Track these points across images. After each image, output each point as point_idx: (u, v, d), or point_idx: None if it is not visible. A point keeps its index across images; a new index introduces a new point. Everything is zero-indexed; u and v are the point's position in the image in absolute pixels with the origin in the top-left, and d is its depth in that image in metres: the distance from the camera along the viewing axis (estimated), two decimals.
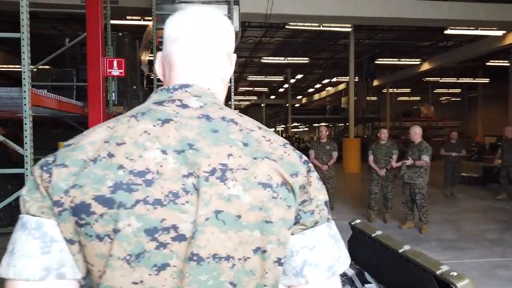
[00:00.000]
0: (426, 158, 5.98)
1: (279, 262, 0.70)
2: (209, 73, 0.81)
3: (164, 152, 0.67)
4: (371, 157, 6.89)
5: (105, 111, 4.56)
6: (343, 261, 0.74)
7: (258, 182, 0.68)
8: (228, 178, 0.67)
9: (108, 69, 4.25)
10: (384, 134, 6.91)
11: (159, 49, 5.69)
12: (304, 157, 0.76)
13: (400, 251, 2.83)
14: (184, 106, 0.73)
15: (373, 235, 3.26)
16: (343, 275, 3.48)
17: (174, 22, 0.82)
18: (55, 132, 8.10)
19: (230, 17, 5.67)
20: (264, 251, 0.68)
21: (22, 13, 3.03)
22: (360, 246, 3.52)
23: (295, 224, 0.71)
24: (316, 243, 0.72)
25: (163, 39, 0.84)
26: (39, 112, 4.81)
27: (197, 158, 0.67)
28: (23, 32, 3.03)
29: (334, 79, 26.83)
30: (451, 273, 2.36)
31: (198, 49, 0.80)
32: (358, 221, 3.67)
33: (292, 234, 0.71)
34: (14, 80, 14.81)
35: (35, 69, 5.55)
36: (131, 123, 0.70)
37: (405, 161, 6.12)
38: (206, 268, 0.65)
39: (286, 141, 0.76)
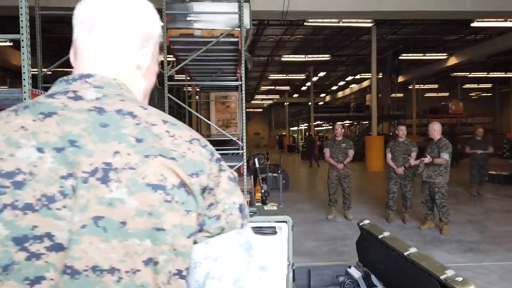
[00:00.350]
0: (445, 155, 5.72)
1: (179, 274, 0.62)
2: (117, 61, 0.73)
3: (40, 150, 0.60)
4: (389, 155, 6.67)
5: None
6: (254, 274, 0.64)
7: (147, 184, 0.60)
8: (111, 179, 0.59)
9: None
10: (402, 131, 6.67)
11: (170, 49, 5.72)
12: (217, 155, 0.67)
13: (405, 253, 2.70)
14: (77, 98, 0.65)
15: (379, 236, 3.13)
16: (349, 278, 3.36)
17: (82, 4, 0.74)
18: None
19: (240, 14, 5.49)
20: (156, 263, 0.60)
21: (22, 14, 3.05)
22: (368, 248, 3.39)
23: (199, 231, 0.63)
24: (222, 253, 0.63)
25: (72, 24, 0.75)
26: None
27: (77, 157, 0.60)
28: (22, 34, 3.05)
29: (358, 76, 26.30)
30: (456, 278, 2.24)
31: (105, 32, 0.72)
32: (366, 221, 3.54)
33: (195, 243, 0.63)
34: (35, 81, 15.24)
35: (49, 72, 5.67)
36: (9, 118, 0.63)
37: (423, 158, 5.87)
38: (83, 282, 0.58)
39: (196, 136, 0.67)
